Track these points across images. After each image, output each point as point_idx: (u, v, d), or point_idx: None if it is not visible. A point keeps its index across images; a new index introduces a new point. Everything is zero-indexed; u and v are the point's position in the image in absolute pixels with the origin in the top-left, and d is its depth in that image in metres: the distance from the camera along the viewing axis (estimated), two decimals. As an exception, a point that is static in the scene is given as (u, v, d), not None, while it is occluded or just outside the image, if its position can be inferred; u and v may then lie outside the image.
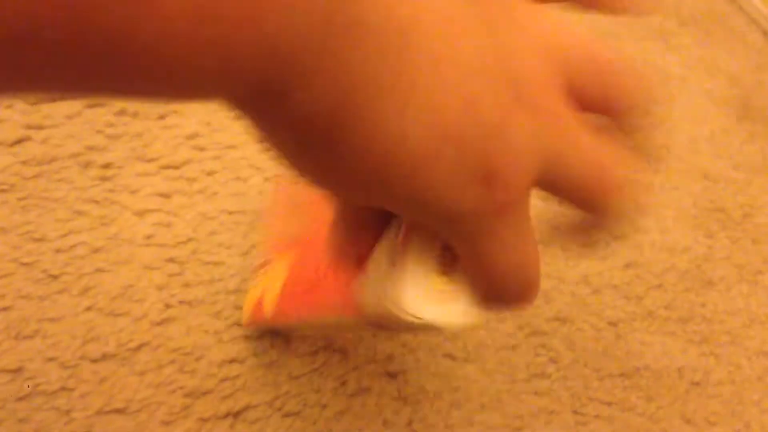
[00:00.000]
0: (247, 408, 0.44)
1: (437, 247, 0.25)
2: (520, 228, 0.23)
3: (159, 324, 0.46)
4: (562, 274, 0.54)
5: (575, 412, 0.49)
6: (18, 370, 0.43)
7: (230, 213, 0.52)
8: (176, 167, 0.52)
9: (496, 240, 0.22)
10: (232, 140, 0.53)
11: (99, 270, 0.47)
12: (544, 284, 0.54)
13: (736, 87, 0.70)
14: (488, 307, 0.25)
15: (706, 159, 0.64)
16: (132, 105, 0.54)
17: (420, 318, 0.24)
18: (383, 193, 0.21)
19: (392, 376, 0.48)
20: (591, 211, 0.25)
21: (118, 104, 0.54)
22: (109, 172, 0.51)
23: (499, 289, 0.24)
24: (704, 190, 0.62)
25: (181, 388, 0.44)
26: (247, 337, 0.47)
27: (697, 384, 0.52)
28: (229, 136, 0.53)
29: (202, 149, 0.53)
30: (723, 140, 0.65)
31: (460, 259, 0.24)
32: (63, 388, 0.43)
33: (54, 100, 0.53)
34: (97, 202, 0.50)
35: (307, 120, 0.19)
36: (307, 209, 0.37)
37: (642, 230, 0.58)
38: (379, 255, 0.26)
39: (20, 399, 0.42)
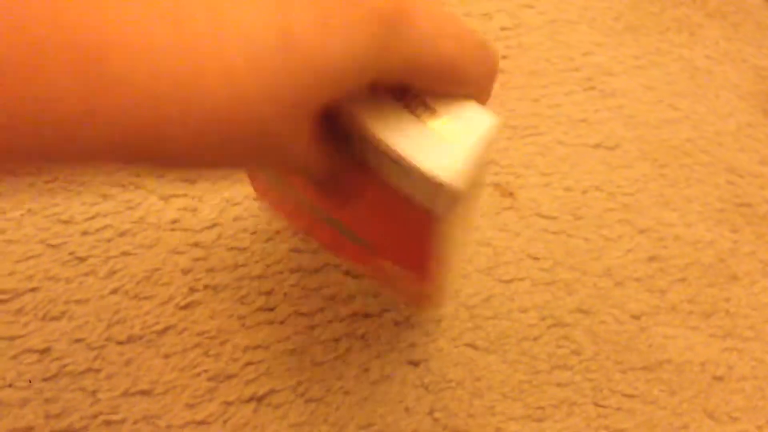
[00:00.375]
0: (270, 392, 0.45)
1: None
2: (432, 11, 0.24)
3: (184, 308, 0.47)
4: (585, 266, 0.54)
5: (597, 405, 0.49)
6: (45, 351, 0.44)
7: (255, 198, 0.52)
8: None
9: (425, 37, 0.24)
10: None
11: (125, 253, 0.48)
12: (567, 276, 0.53)
13: (763, 81, 0.69)
14: (480, 91, 0.26)
15: (732, 153, 0.63)
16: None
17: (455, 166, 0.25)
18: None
19: (415, 364, 0.48)
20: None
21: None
22: (136, 156, 0.51)
23: (466, 63, 0.25)
24: (729, 184, 0.61)
25: (205, 371, 0.45)
26: (271, 323, 0.47)
27: (720, 379, 0.52)
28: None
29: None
30: (749, 134, 0.65)
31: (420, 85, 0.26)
32: (89, 369, 0.43)
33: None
34: (123, 186, 0.50)
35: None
36: None
37: (666, 223, 0.58)
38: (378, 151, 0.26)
39: (47, 379, 0.43)
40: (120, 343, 0.45)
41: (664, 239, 0.57)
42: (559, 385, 0.49)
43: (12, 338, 0.43)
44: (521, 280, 0.53)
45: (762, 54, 0.71)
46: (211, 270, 0.48)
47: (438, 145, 0.25)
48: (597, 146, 0.61)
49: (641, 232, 0.57)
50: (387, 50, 0.23)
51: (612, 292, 0.54)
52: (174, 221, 0.50)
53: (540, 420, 0.47)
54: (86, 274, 0.46)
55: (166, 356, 0.45)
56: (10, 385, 0.43)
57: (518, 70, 0.64)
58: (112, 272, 0.47)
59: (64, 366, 0.43)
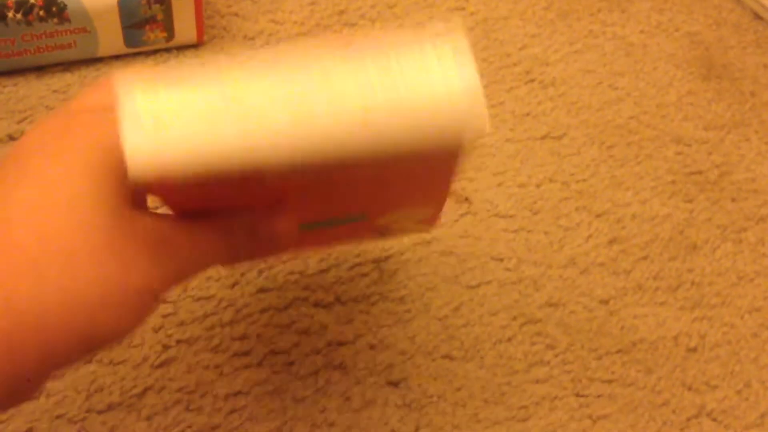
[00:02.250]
0: (256, 437, 0.45)
1: None
2: None
3: (159, 366, 0.47)
4: (549, 259, 0.55)
5: (578, 395, 0.50)
6: (28, 432, 0.44)
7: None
8: (156, 208, 0.53)
9: None
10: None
11: (94, 321, 0.48)
12: (532, 272, 0.54)
13: (698, 47, 0.70)
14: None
15: (676, 123, 0.65)
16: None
17: None
18: None
19: (394, 384, 0.49)
20: None
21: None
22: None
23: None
24: (678, 154, 0.63)
25: (189, 426, 0.45)
26: (247, 367, 0.48)
27: (694, 350, 0.53)
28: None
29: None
30: (691, 102, 0.66)
31: None
32: (74, 444, 0.44)
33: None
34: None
35: None
36: None
37: (622, 204, 0.59)
38: None
39: (33, 461, 0.43)
40: (101, 412, 0.45)
41: (622, 220, 0.58)
42: (538, 381, 0.50)
43: (-7, 425, 0.44)
44: (488, 283, 0.54)
45: (693, 20, 0.73)
46: (181, 324, 0.49)
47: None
48: (544, 138, 0.62)
49: (598, 216, 0.58)
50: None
51: (578, 281, 0.55)
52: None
53: (524, 420, 0.48)
54: (58, 349, 0.47)
55: (149, 418, 0.45)
56: (-2, 472, 0.43)
57: (457, 74, 0.65)
58: (84, 342, 0.47)
59: (49, 445, 0.43)
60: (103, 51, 0.59)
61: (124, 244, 0.26)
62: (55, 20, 0.55)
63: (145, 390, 0.46)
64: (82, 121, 0.29)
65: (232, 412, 0.46)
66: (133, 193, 0.28)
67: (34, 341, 0.25)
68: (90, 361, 0.46)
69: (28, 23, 0.54)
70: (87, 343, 0.26)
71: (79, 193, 0.26)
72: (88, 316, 0.26)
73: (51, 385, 0.45)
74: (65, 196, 0.26)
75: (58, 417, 0.44)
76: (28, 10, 0.53)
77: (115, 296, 0.26)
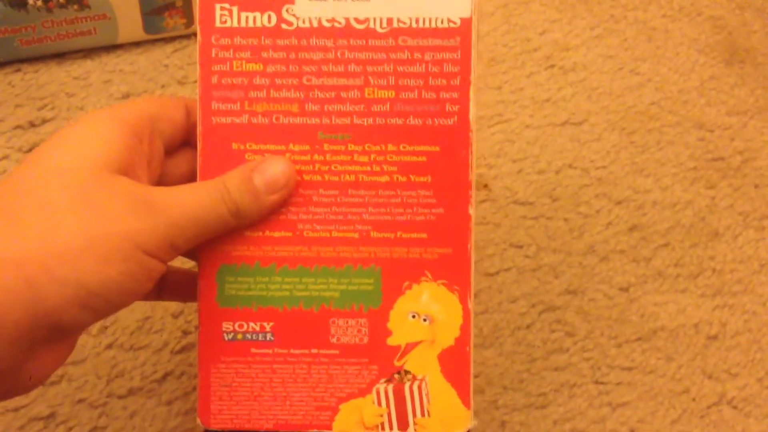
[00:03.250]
0: (275, 423, 0.45)
1: None
2: None
3: (179, 352, 0.47)
4: (568, 246, 0.55)
5: (597, 382, 0.49)
6: (50, 416, 0.44)
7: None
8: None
9: None
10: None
11: (114, 307, 0.48)
12: (552, 259, 0.54)
13: (721, 31, 0.69)
14: None
15: (698, 109, 0.64)
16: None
17: None
18: None
19: (413, 371, 0.49)
20: None
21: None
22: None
23: None
24: (700, 140, 0.62)
25: (209, 412, 0.45)
26: (267, 353, 0.48)
27: (715, 337, 0.52)
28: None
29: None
30: (713, 87, 0.65)
31: None
32: (95, 428, 0.44)
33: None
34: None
35: None
36: None
37: (642, 191, 0.58)
38: None
39: (56, 445, 0.44)
40: (121, 397, 0.45)
41: (643, 207, 0.58)
42: (557, 369, 0.50)
43: (16, 409, 0.44)
44: (507, 270, 0.53)
45: (716, 4, 0.72)
46: (201, 310, 0.49)
47: None
48: (564, 124, 0.61)
49: (618, 203, 0.57)
50: None
51: (598, 268, 0.54)
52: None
53: (543, 407, 0.48)
54: (79, 334, 0.47)
55: (169, 403, 0.46)
56: (21, 455, 0.43)
57: (477, 60, 0.65)
58: (105, 327, 0.48)
59: (70, 429, 0.44)
60: (122, 38, 0.59)
61: (105, 200, 0.28)
62: (75, 7, 0.55)
63: (165, 375, 0.47)
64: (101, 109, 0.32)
65: (252, 397, 0.46)
66: (125, 162, 0.31)
67: (25, 296, 0.26)
68: (110, 347, 0.47)
69: (49, 10, 0.54)
70: (79, 296, 0.27)
71: (68, 158, 0.29)
72: (72, 262, 0.27)
73: (72, 370, 0.46)
74: (54, 160, 0.29)
75: (79, 401, 0.45)
76: (48, -3, 0.54)
77: (97, 244, 0.27)
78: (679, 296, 0.54)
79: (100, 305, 0.28)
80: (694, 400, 0.50)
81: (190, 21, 0.60)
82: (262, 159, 0.33)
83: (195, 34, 0.61)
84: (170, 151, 0.35)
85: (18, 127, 0.54)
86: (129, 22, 0.58)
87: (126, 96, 0.57)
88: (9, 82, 0.57)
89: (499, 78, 0.64)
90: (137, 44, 0.60)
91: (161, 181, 0.35)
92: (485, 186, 0.57)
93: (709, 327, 0.53)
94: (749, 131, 0.63)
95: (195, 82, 0.59)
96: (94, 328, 0.47)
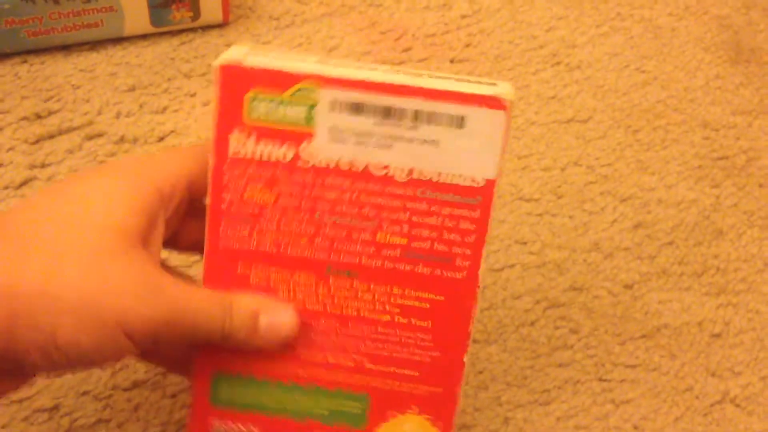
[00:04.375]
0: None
1: None
2: None
3: (184, 345, 0.47)
4: (573, 243, 0.55)
5: (601, 380, 0.50)
6: (55, 408, 0.44)
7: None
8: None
9: None
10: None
11: (119, 299, 0.48)
12: (556, 255, 0.54)
13: (727, 30, 0.69)
14: None
15: (704, 107, 0.64)
16: (130, 131, 0.55)
17: None
18: None
19: (417, 366, 0.49)
20: None
21: (117, 132, 0.55)
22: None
23: None
24: (705, 139, 0.62)
25: (213, 405, 0.46)
26: (271, 347, 0.48)
27: (718, 336, 0.53)
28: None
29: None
30: (718, 86, 0.65)
31: None
32: (100, 420, 0.44)
33: (52, 137, 0.54)
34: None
35: None
36: None
37: (647, 188, 0.58)
38: None
39: (60, 436, 0.44)
40: (126, 389, 0.45)
41: (647, 204, 0.58)
42: (561, 365, 0.50)
43: (21, 400, 0.44)
44: (511, 266, 0.53)
45: (722, 3, 0.72)
46: (205, 303, 0.49)
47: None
48: (570, 121, 0.61)
49: (623, 200, 0.58)
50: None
51: (602, 265, 0.54)
52: (163, 261, 0.50)
53: (546, 403, 0.48)
54: (84, 326, 0.47)
55: (173, 395, 0.46)
56: (25, 446, 0.44)
57: (483, 57, 0.65)
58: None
59: (75, 421, 0.44)
60: (129, 30, 0.59)
61: (114, 271, 0.28)
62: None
63: (170, 368, 0.47)
64: (132, 156, 0.31)
65: (256, 391, 0.46)
66: (150, 237, 0.31)
67: (2, 326, 0.26)
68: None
69: (56, 2, 0.54)
70: (47, 348, 0.27)
71: (90, 213, 0.29)
72: (54, 314, 0.27)
73: (77, 362, 0.46)
74: (77, 209, 0.29)
75: (83, 394, 0.45)
76: (55, -11, 0.54)
77: (84, 308, 0.27)
78: (683, 294, 0.54)
79: (63, 362, 0.28)
80: (697, 398, 0.50)
81: (197, 14, 0.60)
82: (275, 304, 0.33)
83: (202, 29, 0.62)
84: (196, 214, 0.35)
85: (24, 118, 0.54)
86: (136, 14, 0.58)
87: (132, 89, 0.57)
88: (15, 73, 0.57)
89: (504, 75, 0.64)
90: (144, 37, 0.60)
91: (171, 239, 0.35)
92: (490, 182, 0.57)
93: (713, 325, 0.53)
94: (754, 130, 0.63)
95: (201, 75, 0.59)
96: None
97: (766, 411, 0.50)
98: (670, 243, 0.56)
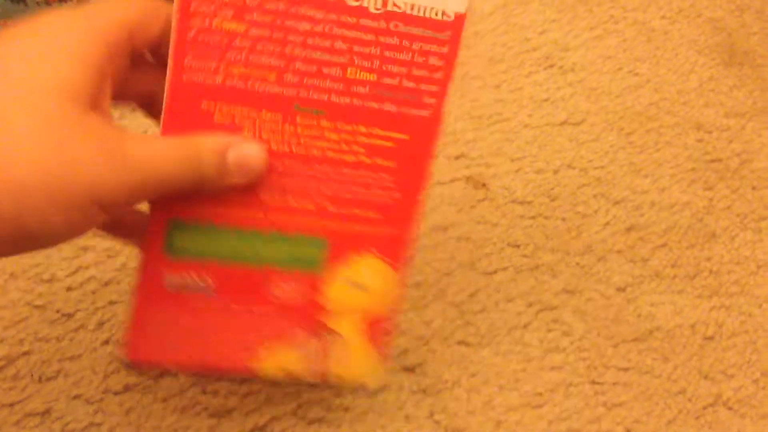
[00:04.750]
0: (272, 420, 0.45)
1: None
2: None
3: (176, 349, 0.47)
4: (566, 246, 0.55)
5: (593, 382, 0.50)
6: (46, 412, 0.44)
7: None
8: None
9: None
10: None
11: (112, 302, 0.48)
12: (549, 258, 0.54)
13: (720, 33, 0.69)
14: None
15: (697, 110, 0.64)
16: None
17: None
18: None
19: (410, 370, 0.49)
20: None
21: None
22: (109, 204, 0.52)
23: None
24: (698, 141, 0.62)
25: (205, 409, 0.46)
26: (263, 350, 0.48)
27: (711, 338, 0.53)
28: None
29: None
30: (712, 88, 0.66)
31: None
32: (91, 424, 0.44)
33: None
34: (100, 235, 0.51)
35: None
36: None
37: (640, 191, 0.58)
38: None
39: (51, 440, 0.44)
40: (118, 393, 0.45)
41: (640, 207, 0.58)
42: (553, 368, 0.50)
43: (12, 404, 0.44)
44: (504, 269, 0.53)
45: (716, 5, 0.72)
46: (198, 306, 0.49)
47: None
48: (563, 123, 0.61)
49: (616, 203, 0.58)
50: None
51: (595, 268, 0.54)
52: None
53: (539, 406, 0.48)
54: (76, 330, 0.47)
55: (165, 399, 0.45)
56: (17, 450, 0.43)
57: (476, 59, 0.65)
58: (101, 323, 0.48)
59: (66, 425, 0.44)
60: None
61: (73, 141, 0.26)
62: (74, 2, 0.55)
63: (162, 372, 0.47)
64: (72, 6, 0.28)
65: (248, 395, 0.46)
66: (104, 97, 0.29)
67: None
68: (107, 342, 0.47)
69: (48, 4, 0.54)
70: (13, 234, 0.25)
71: (33, 76, 0.26)
72: (20, 200, 0.25)
73: (68, 366, 0.46)
74: (17, 74, 0.26)
75: (75, 397, 0.45)
76: (47, -8, 0.54)
77: (53, 189, 0.25)
78: (676, 297, 0.54)
79: (29, 246, 0.26)
80: (690, 400, 0.50)
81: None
82: (240, 139, 0.32)
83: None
84: (135, 64, 0.32)
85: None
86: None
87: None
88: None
89: (498, 77, 0.64)
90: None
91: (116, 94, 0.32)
92: (483, 185, 0.57)
93: (706, 328, 0.53)
94: (747, 133, 0.64)
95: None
96: (91, 323, 0.47)
97: (759, 414, 0.50)
98: (663, 245, 0.56)
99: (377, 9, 0.32)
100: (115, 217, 0.29)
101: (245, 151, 0.32)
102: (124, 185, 0.27)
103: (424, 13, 0.32)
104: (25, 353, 0.46)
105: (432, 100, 0.34)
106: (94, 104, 0.28)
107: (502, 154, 0.59)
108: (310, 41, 0.32)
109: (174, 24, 0.31)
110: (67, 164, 0.25)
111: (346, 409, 0.47)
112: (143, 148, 0.28)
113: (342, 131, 0.34)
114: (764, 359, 0.52)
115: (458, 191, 0.56)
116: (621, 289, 0.53)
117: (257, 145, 0.33)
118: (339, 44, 0.33)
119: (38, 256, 0.49)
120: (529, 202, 0.57)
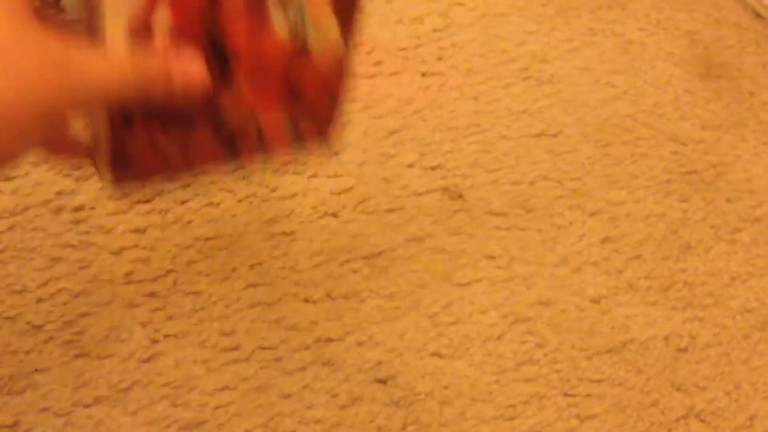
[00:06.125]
0: (242, 433, 0.45)
1: None
2: None
3: (147, 361, 0.47)
4: (541, 257, 0.55)
5: (566, 395, 0.49)
6: (14, 425, 0.44)
7: (206, 240, 0.52)
8: (148, 200, 0.53)
9: None
10: (198, 168, 0.53)
11: (82, 314, 0.48)
12: (524, 270, 0.54)
13: (697, 46, 0.70)
14: None
15: (673, 122, 0.64)
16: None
17: None
18: None
19: (383, 382, 0.48)
20: None
21: (83, 146, 0.54)
22: (82, 215, 0.51)
23: None
24: (674, 154, 0.62)
25: (175, 422, 0.45)
26: (236, 362, 0.48)
27: (684, 350, 0.53)
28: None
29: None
30: (688, 101, 0.66)
31: None
32: (60, 437, 0.44)
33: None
34: (73, 246, 0.50)
35: None
36: None
37: (616, 203, 0.58)
38: None
39: (19, 454, 0.43)
40: (87, 406, 0.45)
41: (615, 219, 0.58)
42: (527, 380, 0.50)
43: (-20, 417, 0.44)
44: (479, 281, 0.53)
45: (693, 19, 0.72)
46: (170, 318, 0.49)
47: None
48: (540, 135, 0.62)
49: (592, 215, 0.58)
50: None
51: (570, 279, 0.54)
52: (128, 274, 0.50)
53: (512, 418, 0.48)
54: (45, 342, 0.47)
55: (134, 413, 0.45)
56: (-16, 464, 0.43)
57: (454, 70, 0.65)
58: (72, 336, 0.47)
59: (34, 438, 0.44)
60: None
61: (21, 58, 0.25)
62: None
63: (132, 384, 0.46)
64: None
65: (219, 407, 0.46)
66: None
67: None
68: (78, 356, 0.46)
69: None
70: None
71: None
72: None
73: (37, 378, 0.45)
74: None
75: (44, 410, 0.44)
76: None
77: (5, 112, 0.24)
78: (649, 308, 0.54)
79: None
80: (662, 412, 0.50)
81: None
82: (186, 58, 0.31)
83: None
84: None
85: None
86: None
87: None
88: None
89: (475, 89, 0.64)
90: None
91: None
92: (460, 196, 0.57)
93: (680, 339, 0.53)
94: (723, 145, 0.64)
95: None
96: (61, 335, 0.47)
97: (731, 426, 0.50)
98: (638, 257, 0.56)
99: None
100: (57, 132, 0.29)
101: (190, 70, 0.31)
102: (68, 96, 0.26)
103: None
104: (-6, 365, 0.46)
105: None
106: (33, 13, 0.27)
107: (478, 165, 0.59)
108: None
109: None
110: (15, 85, 0.25)
111: (318, 422, 0.46)
112: (87, 60, 0.27)
113: None
114: (737, 371, 0.52)
115: (434, 202, 0.56)
116: (595, 301, 0.53)
117: (201, 63, 0.31)
118: None
119: (9, 267, 0.49)
120: (505, 214, 0.57)
